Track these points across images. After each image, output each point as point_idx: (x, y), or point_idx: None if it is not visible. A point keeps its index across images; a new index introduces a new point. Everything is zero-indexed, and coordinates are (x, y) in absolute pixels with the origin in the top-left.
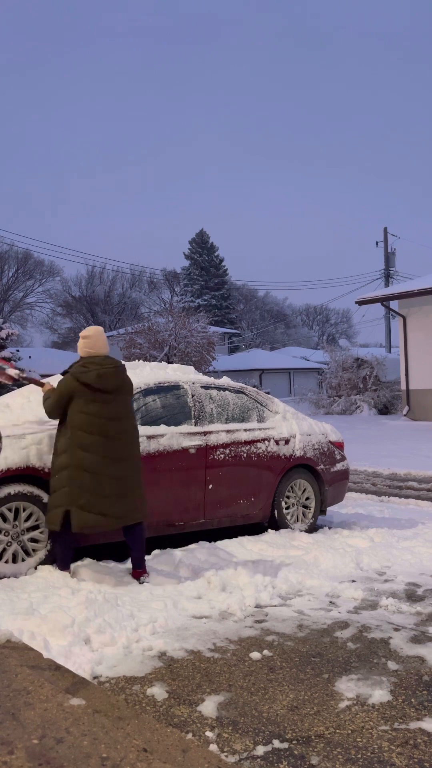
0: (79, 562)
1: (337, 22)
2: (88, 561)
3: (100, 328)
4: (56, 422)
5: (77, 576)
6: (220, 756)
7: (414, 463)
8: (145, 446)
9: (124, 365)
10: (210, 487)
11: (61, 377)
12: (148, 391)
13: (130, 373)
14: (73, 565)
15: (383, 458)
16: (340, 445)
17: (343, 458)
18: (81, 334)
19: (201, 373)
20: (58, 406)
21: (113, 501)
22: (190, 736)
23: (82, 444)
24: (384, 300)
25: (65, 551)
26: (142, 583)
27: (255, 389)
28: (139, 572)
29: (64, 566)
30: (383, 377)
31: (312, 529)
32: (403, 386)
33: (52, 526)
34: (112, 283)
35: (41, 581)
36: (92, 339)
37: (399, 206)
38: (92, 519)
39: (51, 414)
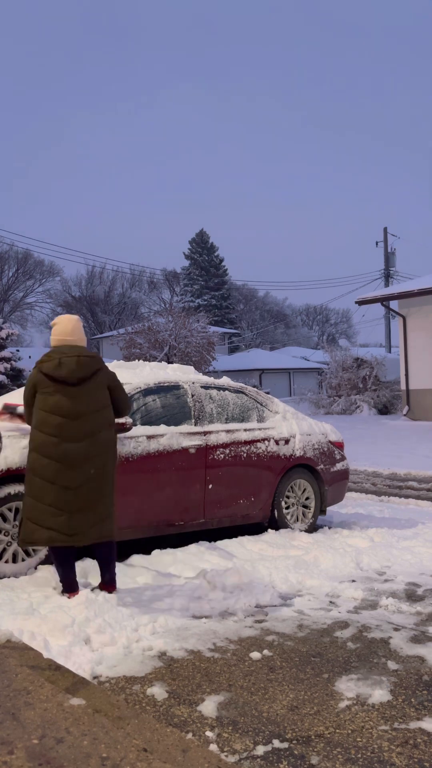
0: (79, 562)
1: (342, 16)
2: (87, 561)
3: (73, 316)
4: None
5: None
6: (220, 756)
7: (414, 463)
8: (145, 446)
9: (95, 357)
10: (210, 487)
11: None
12: (148, 391)
13: (130, 372)
14: None
15: (383, 458)
16: (340, 445)
17: (343, 458)
18: (53, 321)
19: (201, 373)
20: (27, 405)
21: (64, 515)
22: (190, 735)
23: (35, 445)
24: (384, 300)
25: (64, 570)
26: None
27: (255, 389)
28: (103, 584)
29: (69, 589)
30: (383, 377)
31: (312, 529)
32: (403, 386)
33: (30, 543)
34: (112, 283)
35: (41, 581)
36: (61, 325)
37: (399, 206)
38: (39, 534)
39: (27, 418)
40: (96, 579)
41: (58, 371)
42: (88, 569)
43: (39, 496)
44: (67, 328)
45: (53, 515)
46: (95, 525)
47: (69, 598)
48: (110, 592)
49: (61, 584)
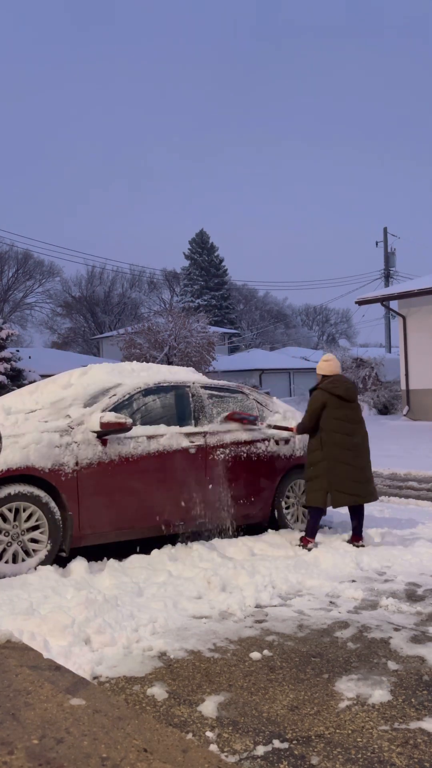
0: (78, 563)
1: (334, 22)
2: (87, 561)
3: (334, 356)
4: (56, 423)
5: (75, 575)
6: (220, 756)
7: (414, 463)
8: (145, 446)
9: (355, 384)
10: (210, 487)
11: (309, 393)
12: (148, 391)
13: (126, 375)
14: (70, 565)
15: (383, 458)
16: None
17: None
18: (323, 357)
19: (201, 374)
20: (312, 417)
21: (356, 484)
22: (190, 736)
23: (335, 441)
24: (384, 300)
25: (315, 525)
26: (358, 547)
27: (255, 389)
28: (356, 538)
29: (311, 536)
30: (383, 377)
31: None
32: (403, 386)
33: (317, 503)
34: (112, 283)
35: (41, 581)
36: (333, 362)
37: (399, 206)
38: (345, 498)
39: (310, 426)
40: (93, 578)
41: (347, 394)
42: (85, 569)
43: (343, 476)
44: (337, 366)
45: (352, 486)
46: (371, 492)
47: (305, 544)
48: (357, 542)
49: (308, 533)
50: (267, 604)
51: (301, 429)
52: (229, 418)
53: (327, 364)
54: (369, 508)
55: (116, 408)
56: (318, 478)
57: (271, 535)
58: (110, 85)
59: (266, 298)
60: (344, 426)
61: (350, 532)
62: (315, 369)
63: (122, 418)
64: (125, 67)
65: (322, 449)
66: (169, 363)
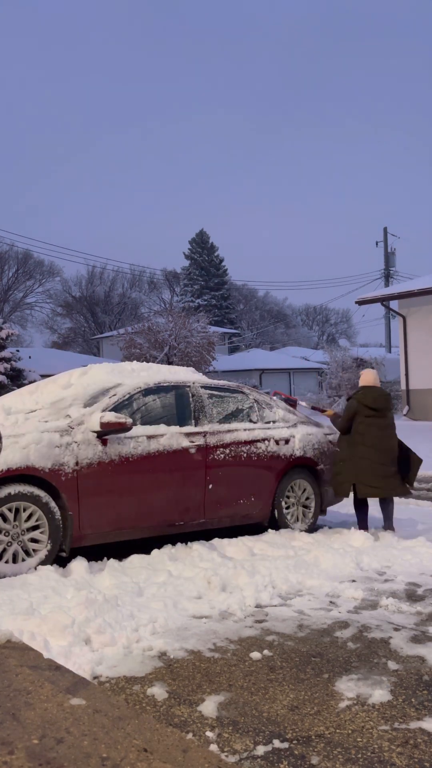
0: (78, 563)
1: (334, 17)
2: (87, 561)
3: (374, 371)
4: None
5: (75, 575)
6: (220, 756)
7: None
8: (145, 446)
9: (389, 395)
10: (210, 487)
11: (346, 401)
12: (148, 391)
13: (126, 375)
14: (70, 565)
15: None
16: None
17: None
18: (361, 372)
19: (201, 374)
20: (345, 422)
21: (379, 479)
22: (190, 736)
23: (363, 442)
24: (384, 300)
25: (362, 515)
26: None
27: (255, 389)
28: (386, 528)
29: (363, 526)
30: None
31: (312, 529)
32: (403, 386)
33: (344, 494)
34: (112, 283)
35: (41, 581)
36: (365, 375)
37: (399, 206)
38: (369, 490)
39: (342, 429)
40: (93, 578)
41: (374, 404)
42: (85, 568)
43: (366, 470)
44: (370, 378)
45: (374, 480)
46: (394, 487)
47: (360, 528)
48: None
49: (359, 524)
50: (267, 604)
51: (337, 426)
52: (275, 395)
53: (362, 376)
54: (369, 508)
55: (116, 408)
56: (343, 473)
57: (271, 535)
58: (110, 83)
59: (266, 298)
60: (370, 430)
61: (350, 529)
62: (315, 369)
63: (122, 418)
64: (124, 62)
65: (349, 448)
66: (169, 363)
